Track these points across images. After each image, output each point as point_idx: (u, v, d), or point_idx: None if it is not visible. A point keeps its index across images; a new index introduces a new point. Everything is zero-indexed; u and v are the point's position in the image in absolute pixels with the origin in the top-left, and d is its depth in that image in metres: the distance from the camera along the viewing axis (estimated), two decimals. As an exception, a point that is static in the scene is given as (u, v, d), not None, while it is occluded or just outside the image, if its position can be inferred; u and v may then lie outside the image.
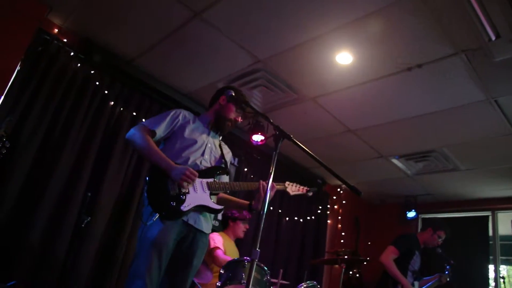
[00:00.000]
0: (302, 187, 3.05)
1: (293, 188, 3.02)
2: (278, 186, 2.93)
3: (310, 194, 3.05)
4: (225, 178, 2.93)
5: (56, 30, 4.26)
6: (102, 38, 4.42)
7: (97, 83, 4.47)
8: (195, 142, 2.79)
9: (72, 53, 4.29)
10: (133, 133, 2.70)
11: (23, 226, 3.74)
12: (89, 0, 3.92)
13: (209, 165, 2.81)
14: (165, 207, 2.49)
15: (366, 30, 3.66)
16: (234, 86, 3.15)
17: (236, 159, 5.87)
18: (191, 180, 2.53)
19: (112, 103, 4.58)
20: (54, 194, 3.99)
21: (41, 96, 4.01)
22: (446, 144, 5.37)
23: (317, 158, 2.40)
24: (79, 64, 4.35)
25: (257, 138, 5.22)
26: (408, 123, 5.01)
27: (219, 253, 3.99)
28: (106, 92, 4.54)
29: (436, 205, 7.41)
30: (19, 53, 3.88)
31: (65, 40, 4.26)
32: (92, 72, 4.44)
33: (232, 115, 2.96)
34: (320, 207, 7.12)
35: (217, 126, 2.98)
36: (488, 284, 6.39)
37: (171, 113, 2.85)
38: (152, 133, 2.71)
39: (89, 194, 3.93)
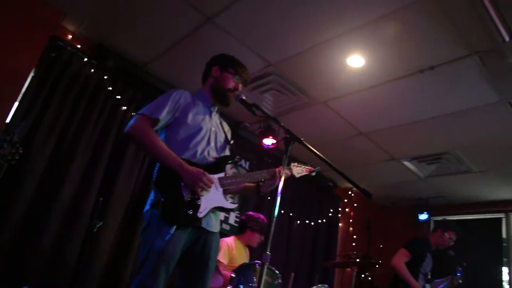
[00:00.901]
0: (306, 167, 2.87)
1: (298, 170, 2.84)
2: (288, 172, 2.76)
3: (313, 174, 2.89)
4: (229, 165, 2.76)
5: (70, 36, 4.31)
6: (115, 44, 4.45)
7: (110, 88, 4.50)
8: (200, 129, 2.55)
9: (85, 59, 4.32)
10: (133, 126, 2.41)
11: (35, 231, 3.77)
12: (102, 7, 3.95)
13: (216, 154, 2.61)
14: (181, 217, 2.29)
15: (379, 33, 3.65)
16: (223, 53, 2.83)
17: (248, 163, 5.87)
18: (208, 188, 2.36)
19: (125, 108, 4.61)
20: (66, 199, 4.01)
21: (54, 102, 4.04)
22: (459, 146, 5.33)
23: (328, 160, 2.40)
24: (92, 70, 4.38)
25: (268, 141, 5.22)
26: (421, 126, 4.98)
27: (220, 269, 3.95)
28: (118, 97, 4.56)
29: (449, 208, 7.34)
30: (33, 59, 3.92)
31: (78, 46, 4.30)
32: (105, 77, 4.47)
33: (232, 84, 2.70)
34: (331, 210, 7.10)
35: (219, 101, 2.73)
36: (501, 287, 6.32)
37: (172, 95, 2.55)
38: (155, 122, 2.44)
39: (101, 198, 3.95)
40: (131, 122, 2.44)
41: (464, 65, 3.82)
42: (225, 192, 2.59)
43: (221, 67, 2.74)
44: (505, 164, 5.58)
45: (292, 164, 2.84)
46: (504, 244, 6.60)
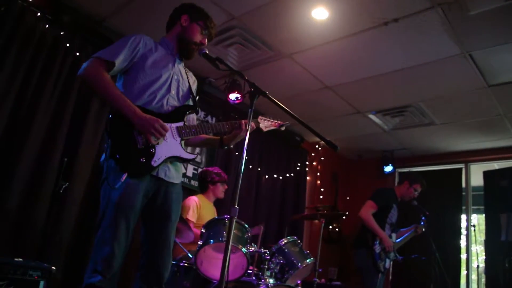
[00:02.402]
0: (275, 121, 2.80)
1: (266, 124, 2.79)
2: (253, 124, 2.68)
3: (283, 128, 2.82)
4: (193, 116, 2.72)
5: (19, -11, 4.06)
6: (70, -3, 4.23)
7: (68, 44, 4.31)
8: (160, 76, 2.47)
9: (39, 14, 4.09)
10: (86, 69, 2.30)
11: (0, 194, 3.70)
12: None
13: (177, 103, 2.55)
14: (133, 165, 2.24)
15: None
16: (194, 3, 2.71)
17: (214, 119, 5.83)
18: (160, 136, 2.29)
19: (85, 65, 4.44)
20: (30, 160, 3.92)
21: (9, 60, 3.85)
22: (422, 98, 5.43)
23: (294, 114, 2.39)
24: (47, 25, 4.16)
25: (234, 97, 5.19)
26: (385, 78, 5.02)
27: (191, 226, 3.97)
28: (77, 54, 4.39)
29: (412, 159, 7.58)
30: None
31: (30, -1, 4.07)
32: (61, 33, 4.27)
33: (198, 37, 2.62)
34: (299, 164, 7.20)
35: (182, 52, 2.64)
36: (460, 233, 6.68)
37: (131, 39, 2.44)
38: (110, 66, 2.33)
39: (66, 159, 3.87)
40: (85, 64, 2.33)
41: (427, 18, 3.83)
42: (187, 144, 2.56)
43: (191, 17, 2.62)
44: (465, 116, 5.75)
45: (260, 117, 2.78)
46: (463, 193, 6.91)
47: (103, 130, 4.51)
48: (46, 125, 4.09)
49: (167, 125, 2.37)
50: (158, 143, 2.33)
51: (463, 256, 6.61)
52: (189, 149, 2.56)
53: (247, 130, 2.15)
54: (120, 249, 2.20)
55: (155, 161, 2.31)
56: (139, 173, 2.27)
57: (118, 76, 2.51)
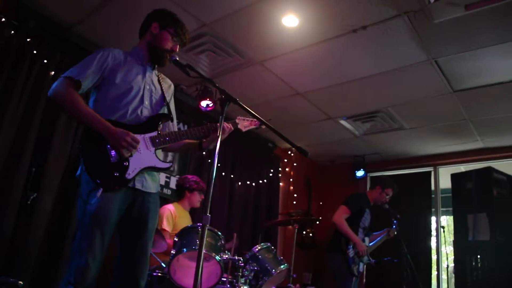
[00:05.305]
0: (254, 120, 2.73)
1: (245, 123, 2.78)
2: (230, 125, 2.67)
3: (263, 126, 2.67)
4: (169, 125, 2.70)
5: (-17, -5, 3.97)
6: (37, 3, 4.14)
7: (35, 51, 4.21)
8: (131, 88, 2.45)
9: (3, 19, 3.99)
10: (55, 90, 2.30)
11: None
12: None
13: (151, 113, 2.52)
14: (107, 180, 2.23)
15: (311, -8, 3.64)
16: (165, 9, 2.69)
17: (186, 126, 5.80)
18: (132, 148, 2.28)
19: (53, 73, 4.34)
20: (-4, 171, 3.81)
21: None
22: (391, 104, 5.54)
23: (265, 121, 2.43)
24: (12, 31, 4.06)
25: (205, 104, 5.17)
26: (355, 85, 5.11)
27: (166, 237, 3.93)
28: (45, 61, 4.29)
29: (383, 164, 7.72)
30: None
31: (-6, 5, 3.98)
32: (28, 39, 4.17)
33: (169, 45, 2.59)
34: (272, 170, 7.22)
35: (154, 60, 2.62)
36: (430, 234, 6.82)
37: (98, 56, 2.42)
38: (78, 84, 2.31)
39: (34, 169, 3.79)
40: (54, 85, 2.33)
41: (394, 25, 3.92)
42: (166, 150, 2.57)
43: (161, 25, 2.59)
44: (432, 121, 5.91)
45: (238, 117, 2.76)
46: (433, 196, 7.08)
47: (72, 139, 4.42)
48: (13, 134, 3.97)
49: (141, 136, 2.37)
50: (131, 155, 2.32)
51: (434, 257, 6.76)
52: (163, 157, 2.53)
53: (218, 137, 2.15)
54: (94, 260, 2.18)
55: (129, 174, 2.30)
56: (114, 188, 2.26)
57: (91, 92, 2.50)
